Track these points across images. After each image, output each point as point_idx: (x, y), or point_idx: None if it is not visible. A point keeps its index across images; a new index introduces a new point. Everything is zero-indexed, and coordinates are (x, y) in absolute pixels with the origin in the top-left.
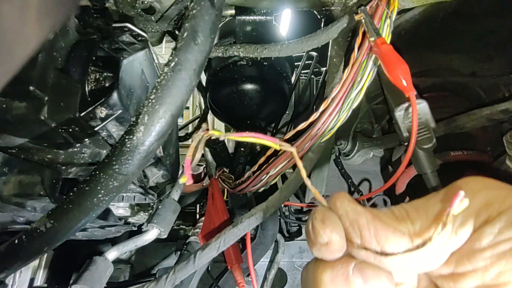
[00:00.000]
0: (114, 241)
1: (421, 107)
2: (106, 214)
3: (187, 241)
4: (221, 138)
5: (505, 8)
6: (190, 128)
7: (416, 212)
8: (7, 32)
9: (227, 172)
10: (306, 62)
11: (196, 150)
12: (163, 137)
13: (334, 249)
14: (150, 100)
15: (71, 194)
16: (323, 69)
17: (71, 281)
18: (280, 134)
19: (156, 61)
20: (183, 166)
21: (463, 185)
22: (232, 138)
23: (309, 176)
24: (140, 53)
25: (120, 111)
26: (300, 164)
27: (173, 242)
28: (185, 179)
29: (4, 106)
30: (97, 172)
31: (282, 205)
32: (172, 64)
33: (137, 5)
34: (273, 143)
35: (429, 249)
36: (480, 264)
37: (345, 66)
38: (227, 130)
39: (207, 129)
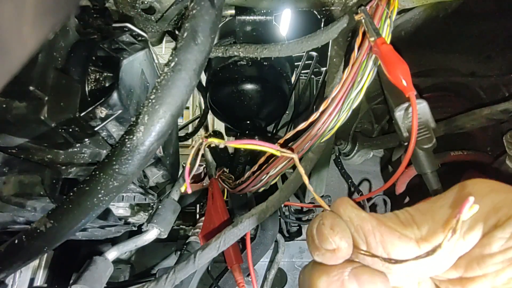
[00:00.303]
0: (114, 241)
1: (421, 107)
2: (106, 214)
3: (187, 241)
4: (221, 146)
5: (505, 8)
6: (190, 128)
7: (422, 216)
8: (6, 32)
9: (227, 172)
10: (306, 62)
11: (196, 157)
12: (163, 137)
13: (340, 256)
14: (150, 100)
15: (71, 194)
16: (323, 69)
17: (71, 281)
18: (280, 134)
19: (156, 61)
20: (183, 166)
21: (470, 187)
22: (232, 146)
23: (309, 176)
24: (140, 53)
25: (120, 111)
26: (302, 170)
27: (173, 242)
28: (184, 188)
29: (4, 106)
30: (97, 172)
31: (282, 205)
32: (172, 64)
33: (137, 5)
34: (274, 150)
35: (438, 255)
36: (491, 269)
37: (345, 66)
38: (227, 130)
39: (206, 137)
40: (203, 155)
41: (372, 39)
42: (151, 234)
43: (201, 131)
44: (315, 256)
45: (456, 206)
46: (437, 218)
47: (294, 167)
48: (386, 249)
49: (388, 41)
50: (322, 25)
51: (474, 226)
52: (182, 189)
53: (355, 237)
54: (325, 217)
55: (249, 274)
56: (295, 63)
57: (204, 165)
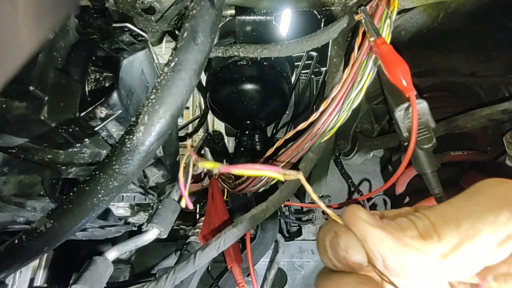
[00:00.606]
0: (114, 241)
1: (421, 107)
2: (106, 214)
3: (187, 241)
4: (215, 172)
5: (505, 8)
6: (190, 128)
7: (445, 225)
8: (5, 32)
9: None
10: (306, 62)
11: (187, 170)
12: (163, 137)
13: (354, 271)
14: (150, 100)
15: (71, 194)
16: (323, 69)
17: (71, 281)
18: (280, 134)
19: (156, 61)
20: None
21: (505, 193)
22: (234, 172)
23: (309, 176)
24: (140, 53)
25: (120, 111)
26: (309, 188)
27: (173, 242)
28: (183, 204)
29: (4, 106)
30: (97, 172)
31: (282, 205)
32: (172, 64)
33: (137, 5)
34: (277, 173)
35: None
36: None
37: (345, 66)
38: (227, 130)
39: (205, 145)
40: (203, 155)
41: (372, 39)
42: (151, 234)
43: (201, 131)
44: (324, 264)
45: (483, 216)
46: (462, 230)
47: (294, 167)
48: (405, 268)
49: (388, 41)
50: (322, 25)
51: (505, 242)
52: (182, 205)
53: (372, 258)
54: (339, 236)
55: (249, 274)
56: (295, 63)
57: None
